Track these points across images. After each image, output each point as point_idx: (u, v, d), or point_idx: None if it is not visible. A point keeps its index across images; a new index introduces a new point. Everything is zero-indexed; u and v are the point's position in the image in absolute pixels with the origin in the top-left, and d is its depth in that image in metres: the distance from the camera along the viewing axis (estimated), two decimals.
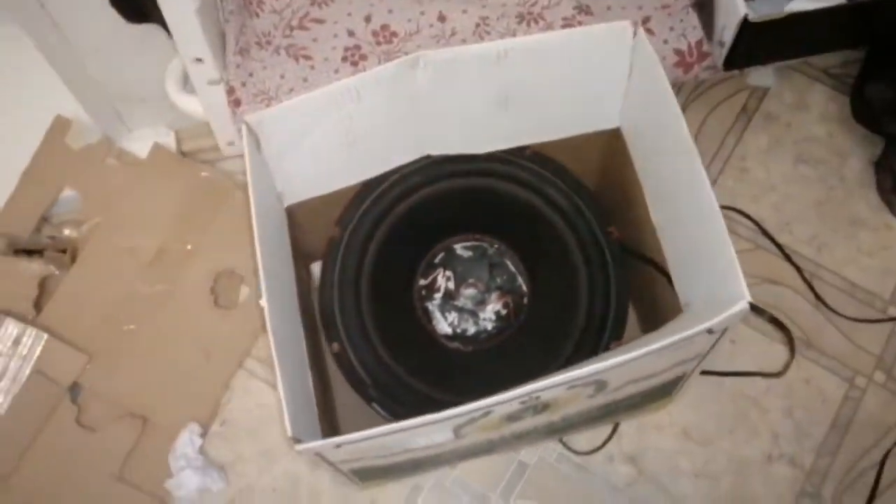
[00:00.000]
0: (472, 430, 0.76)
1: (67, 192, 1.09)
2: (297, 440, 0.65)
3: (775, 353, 1.02)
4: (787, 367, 0.95)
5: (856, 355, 1.03)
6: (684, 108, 1.13)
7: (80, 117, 1.07)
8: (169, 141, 1.11)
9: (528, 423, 0.81)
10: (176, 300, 1.04)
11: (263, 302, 0.71)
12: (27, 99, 1.10)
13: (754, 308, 0.67)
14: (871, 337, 1.04)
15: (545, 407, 0.76)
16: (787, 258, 1.08)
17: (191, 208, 1.08)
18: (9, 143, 1.10)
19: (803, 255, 1.09)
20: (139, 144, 1.10)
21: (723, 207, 1.06)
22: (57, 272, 1.04)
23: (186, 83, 0.91)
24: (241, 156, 0.78)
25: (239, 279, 1.07)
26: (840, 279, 1.08)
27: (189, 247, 1.06)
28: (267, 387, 1.03)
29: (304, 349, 0.83)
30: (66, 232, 1.08)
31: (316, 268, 1.01)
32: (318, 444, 0.66)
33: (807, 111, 1.16)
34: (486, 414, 0.70)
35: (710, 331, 0.69)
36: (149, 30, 0.89)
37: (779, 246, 1.09)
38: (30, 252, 1.05)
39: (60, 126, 1.07)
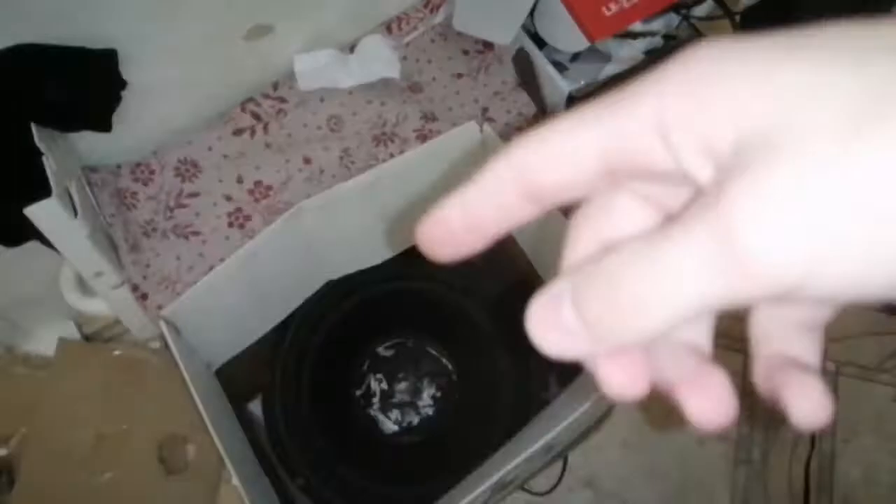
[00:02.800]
0: None
1: None
2: None
3: None
4: None
5: (739, 326, 1.17)
6: None
7: None
8: (71, 330, 1.12)
9: (496, 497, 0.89)
10: (127, 482, 1.05)
11: (235, 482, 0.76)
12: None
13: None
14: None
15: (510, 482, 0.84)
16: None
17: (113, 389, 1.09)
18: None
19: None
20: (42, 343, 1.10)
21: None
22: None
23: (82, 285, 0.93)
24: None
25: (182, 440, 1.09)
26: None
27: (124, 426, 1.07)
28: None
29: (276, 499, 0.88)
30: None
31: (253, 406, 1.06)
32: None
33: None
34: None
35: None
36: (30, 245, 0.91)
37: None
38: None
39: None
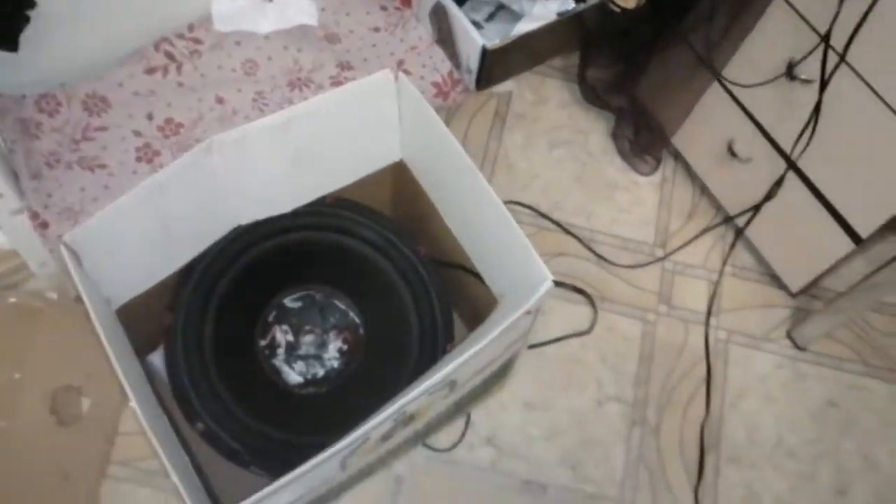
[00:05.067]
0: (354, 460, 0.83)
1: None
2: None
3: (579, 314, 1.18)
4: (593, 324, 1.11)
5: (640, 296, 1.22)
6: (447, 124, 1.26)
7: None
8: None
9: (399, 437, 0.90)
10: (17, 432, 1.02)
11: (133, 405, 0.74)
12: None
13: (558, 283, 0.80)
14: (648, 278, 1.23)
15: (412, 418, 0.85)
16: (566, 231, 1.25)
17: (6, 337, 1.05)
18: None
19: (578, 225, 1.26)
20: None
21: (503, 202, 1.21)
22: None
23: None
24: (53, 274, 0.80)
25: (76, 391, 1.06)
26: (612, 237, 1.26)
27: (17, 375, 1.04)
28: (136, 486, 1.04)
29: (175, 439, 0.86)
30: None
31: (153, 358, 1.04)
32: None
33: (546, 104, 1.34)
34: (366, 440, 0.78)
35: (528, 312, 0.81)
36: None
37: (556, 223, 1.25)
38: None
39: None
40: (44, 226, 0.84)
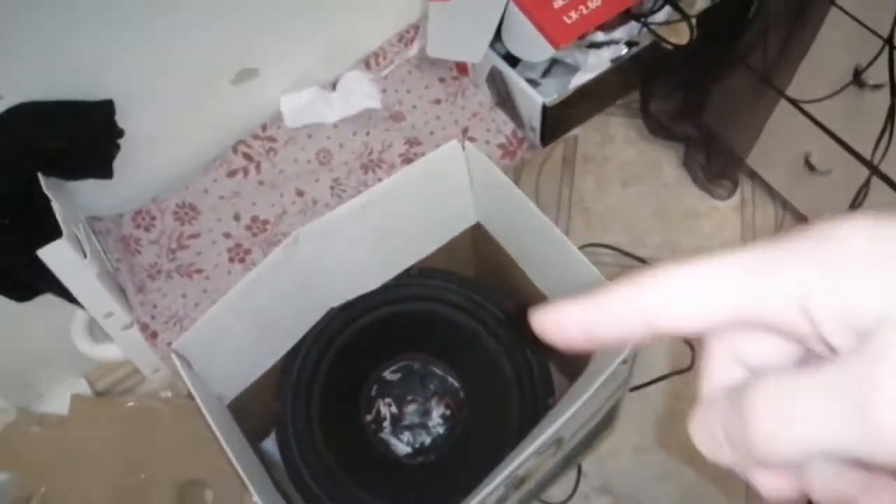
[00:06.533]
0: None
1: (1, 476, 1.09)
2: None
3: (675, 349, 1.17)
4: (693, 361, 1.09)
5: None
6: (518, 178, 1.28)
7: None
8: (83, 387, 1.14)
9: (513, 499, 0.90)
10: None
11: (256, 499, 0.77)
12: None
13: None
14: None
15: (523, 480, 0.86)
16: None
17: (129, 439, 1.11)
18: None
19: (664, 259, 1.24)
20: (56, 402, 1.12)
21: (584, 246, 1.21)
22: None
23: (93, 333, 0.96)
24: (165, 376, 0.85)
25: (201, 485, 1.11)
26: None
27: (142, 475, 1.09)
28: None
29: None
30: None
31: (268, 443, 1.07)
32: None
33: (613, 142, 1.35)
34: None
35: (624, 361, 0.81)
36: (39, 300, 0.94)
37: (641, 260, 1.24)
38: None
39: None
40: (153, 335, 0.89)
